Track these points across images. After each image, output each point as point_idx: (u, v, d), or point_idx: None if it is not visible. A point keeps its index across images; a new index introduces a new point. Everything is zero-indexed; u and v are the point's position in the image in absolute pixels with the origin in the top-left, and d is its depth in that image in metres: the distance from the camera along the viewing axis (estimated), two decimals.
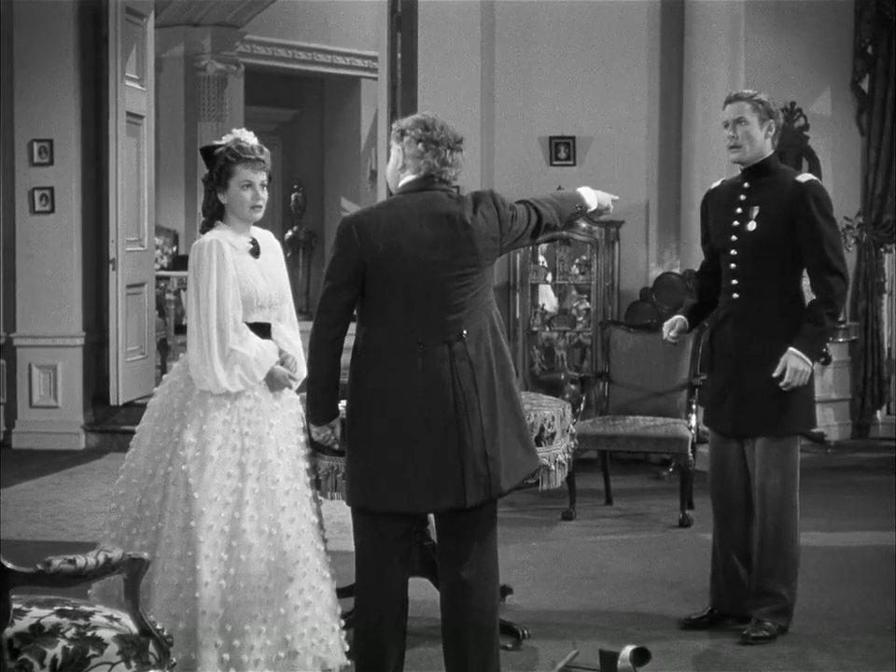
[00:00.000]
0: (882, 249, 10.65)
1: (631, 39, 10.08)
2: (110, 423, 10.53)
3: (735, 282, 5.79)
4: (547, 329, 10.12)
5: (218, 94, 16.62)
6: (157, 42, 11.48)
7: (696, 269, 9.17)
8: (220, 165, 5.09)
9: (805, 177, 5.77)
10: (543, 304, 10.18)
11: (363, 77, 18.12)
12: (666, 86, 10.12)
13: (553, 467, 5.43)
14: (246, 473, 4.94)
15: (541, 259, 10.04)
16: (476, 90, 10.07)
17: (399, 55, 10.35)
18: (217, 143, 5.18)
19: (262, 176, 5.11)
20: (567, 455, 5.56)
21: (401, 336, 4.54)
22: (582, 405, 8.56)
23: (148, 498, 5.00)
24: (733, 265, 5.79)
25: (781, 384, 5.61)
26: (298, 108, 18.89)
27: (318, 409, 4.76)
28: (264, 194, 5.13)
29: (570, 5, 10.07)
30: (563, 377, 9.72)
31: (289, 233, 18.03)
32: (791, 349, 5.61)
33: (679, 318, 6.05)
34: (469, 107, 9.97)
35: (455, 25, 10.03)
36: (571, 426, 5.70)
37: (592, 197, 5.00)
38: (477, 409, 4.54)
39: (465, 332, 4.55)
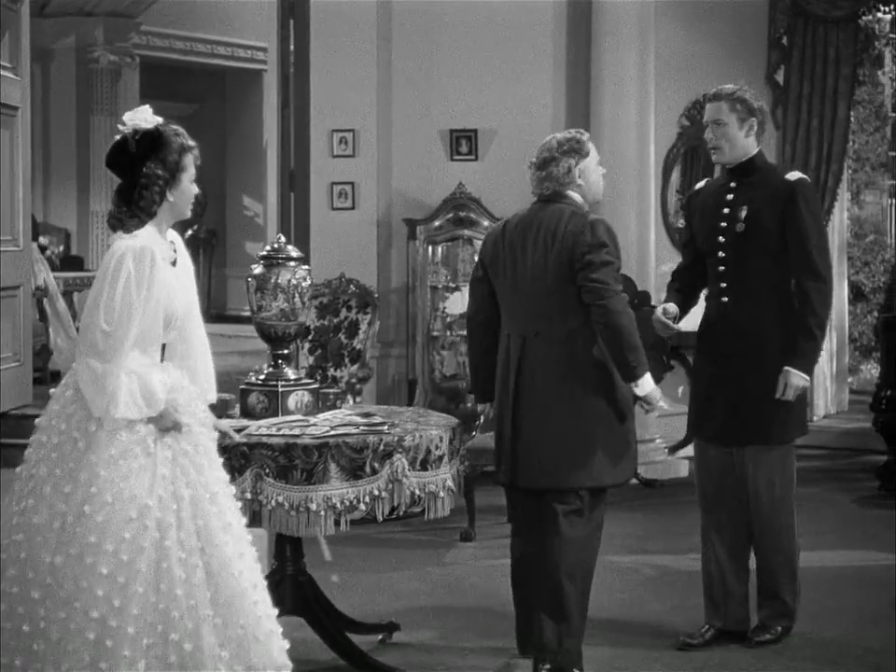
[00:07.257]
0: None
1: (536, 31, 9.71)
2: None
3: (723, 285, 5.59)
4: (448, 332, 9.58)
5: (112, 87, 16.02)
6: (47, 33, 10.94)
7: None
8: (176, 159, 4.34)
9: (794, 175, 5.58)
10: (445, 307, 9.63)
11: (265, 70, 17.70)
12: (573, 79, 9.74)
13: (441, 493, 5.09)
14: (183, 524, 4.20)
15: (438, 259, 9.56)
16: (373, 81, 9.68)
17: (291, 46, 9.85)
18: (145, 126, 4.34)
19: None
20: (458, 479, 5.21)
21: (503, 326, 5.26)
22: (483, 417, 8.02)
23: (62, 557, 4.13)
24: (721, 268, 5.59)
25: (778, 397, 5.42)
26: (198, 103, 18.44)
27: (475, 388, 5.55)
28: None
29: None
30: (464, 385, 9.18)
31: (189, 232, 17.50)
32: (787, 368, 5.45)
33: (670, 306, 5.61)
34: (364, 99, 9.64)
35: (350, 15, 9.61)
36: (462, 447, 5.34)
37: (649, 384, 5.05)
38: (528, 404, 5.12)
39: (536, 333, 5.10)
